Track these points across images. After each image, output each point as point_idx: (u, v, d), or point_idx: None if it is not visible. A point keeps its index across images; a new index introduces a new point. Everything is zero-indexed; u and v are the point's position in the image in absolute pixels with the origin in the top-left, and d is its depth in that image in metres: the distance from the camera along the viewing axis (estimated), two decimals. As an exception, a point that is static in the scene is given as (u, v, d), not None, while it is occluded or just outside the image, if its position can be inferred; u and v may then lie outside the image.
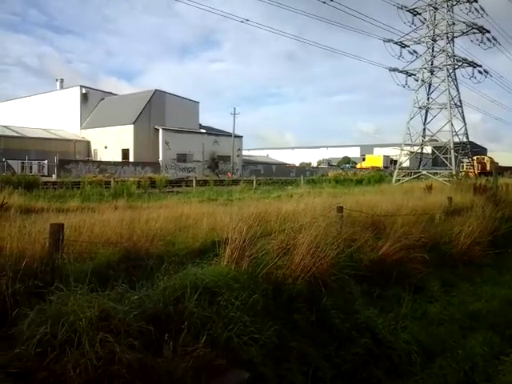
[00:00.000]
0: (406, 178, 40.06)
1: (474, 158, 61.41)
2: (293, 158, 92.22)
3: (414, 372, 4.82)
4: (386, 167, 74.13)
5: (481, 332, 5.93)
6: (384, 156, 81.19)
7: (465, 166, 53.65)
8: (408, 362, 4.88)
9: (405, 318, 5.77)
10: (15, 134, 47.42)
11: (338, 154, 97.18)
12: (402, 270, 6.91)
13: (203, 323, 3.87)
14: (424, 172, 41.33)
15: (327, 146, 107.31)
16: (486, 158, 65.94)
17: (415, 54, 43.03)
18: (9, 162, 38.32)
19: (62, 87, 62.11)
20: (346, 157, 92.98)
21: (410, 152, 44.36)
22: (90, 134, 54.49)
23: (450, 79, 40.94)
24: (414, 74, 43.48)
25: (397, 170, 43.37)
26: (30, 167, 40.24)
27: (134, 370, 3.12)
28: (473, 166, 52.74)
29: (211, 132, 57.95)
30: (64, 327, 3.12)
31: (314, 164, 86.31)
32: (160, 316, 3.80)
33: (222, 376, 3.61)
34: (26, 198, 13.74)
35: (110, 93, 62.07)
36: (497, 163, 59.43)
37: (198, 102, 59.54)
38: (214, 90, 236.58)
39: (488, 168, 58.65)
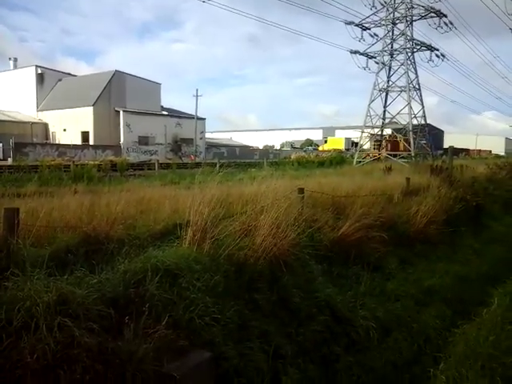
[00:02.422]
0: (367, 160, 40.83)
1: (385, 136, 55.15)
2: (256, 140, 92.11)
3: (372, 347, 5.01)
4: (347, 149, 75.19)
5: (434, 306, 6.21)
6: (346, 138, 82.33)
7: (371, 146, 50.86)
8: (366, 337, 5.07)
9: (363, 295, 5.96)
10: (-34, 116, 45.37)
11: (300, 136, 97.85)
12: (362, 249, 7.10)
13: (165, 305, 3.88)
14: (384, 154, 42.26)
15: (290, 129, 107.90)
16: (398, 135, 55.49)
17: (376, 37, 43.56)
18: (-41, 144, 36.71)
19: (15, 67, 59.52)
20: (309, 139, 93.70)
21: (371, 134, 45.20)
22: (47, 117, 52.68)
23: (408, 62, 41.72)
24: (375, 57, 44.09)
25: (358, 152, 44.14)
26: (-16, 151, 38.67)
27: (93, 354, 3.11)
28: (380, 146, 49.53)
29: (173, 114, 57.06)
30: (20, 313, 3.06)
31: (278, 147, 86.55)
32: (120, 299, 3.79)
33: (184, 356, 3.65)
34: (-22, 182, 13.21)
35: (69, 74, 59.97)
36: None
37: (160, 84, 58.48)
38: (176, 71, 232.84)
39: (402, 148, 52.00)
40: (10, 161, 34.92)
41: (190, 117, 56.18)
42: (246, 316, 4.49)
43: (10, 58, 61.39)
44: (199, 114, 55.65)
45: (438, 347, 4.72)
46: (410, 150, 46.96)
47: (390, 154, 46.97)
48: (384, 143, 49.58)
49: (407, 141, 51.25)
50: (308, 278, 5.60)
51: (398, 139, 53.18)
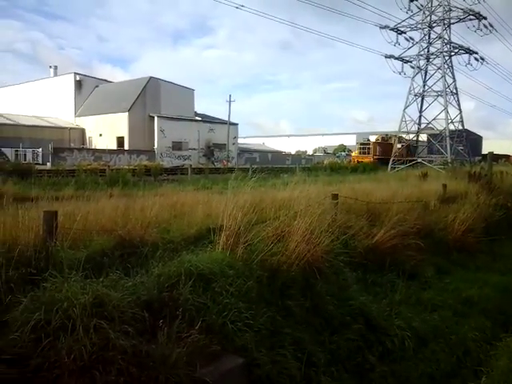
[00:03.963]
0: (402, 166, 40.12)
1: (376, 137, 51.50)
2: (288, 145, 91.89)
3: (407, 357, 4.88)
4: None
5: (473, 318, 5.99)
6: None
7: (356, 151, 48.08)
8: (401, 347, 4.93)
9: (399, 304, 5.82)
10: (9, 122, 46.99)
11: (333, 141, 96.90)
12: (397, 256, 6.95)
13: (198, 310, 3.89)
14: (419, 160, 41.38)
15: (323, 134, 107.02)
16: (392, 137, 50.14)
17: (411, 41, 42.90)
18: (2, 149, 38.02)
19: (55, 74, 61.45)
20: (342, 145, 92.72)
21: (406, 140, 44.37)
22: (84, 122, 54.09)
23: (446, 66, 40.94)
24: (410, 61, 43.44)
25: (392, 158, 43.41)
26: (24, 155, 39.88)
27: (128, 356, 3.13)
28: (368, 149, 46.51)
29: (207, 120, 57.63)
30: (58, 314, 3.12)
31: (310, 152, 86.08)
32: (154, 303, 3.82)
33: (217, 361, 3.64)
34: (20, 186, 13.65)
35: (105, 80, 61.49)
36: (415, 145, 50.81)
37: (193, 90, 59.14)
38: (209, 77, 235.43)
39: (396, 152, 46.67)
40: (48, 165, 35.98)
41: (222, 122, 56.60)
42: (278, 322, 4.45)
43: (50, 66, 63.53)
44: (232, 120, 56.03)
45: (478, 360, 4.56)
46: (406, 155, 44.61)
47: (382, 158, 44.70)
48: (372, 147, 47.02)
49: (401, 143, 47.12)
50: (342, 285, 5.51)
51: (392, 141, 49.42)
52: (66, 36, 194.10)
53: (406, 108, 42.46)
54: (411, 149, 47.87)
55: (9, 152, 38.53)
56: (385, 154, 46.81)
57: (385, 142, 50.59)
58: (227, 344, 3.83)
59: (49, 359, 2.93)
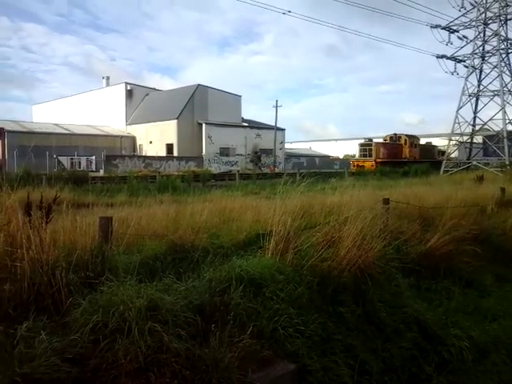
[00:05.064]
0: (455, 169, 38.71)
1: (384, 137, 44.70)
2: (336, 150, 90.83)
3: (466, 368, 4.67)
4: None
5: (538, 328, 5.67)
6: (431, 147, 78.62)
7: (357, 152, 42.35)
8: (459, 358, 4.74)
9: (455, 312, 5.61)
10: (65, 132, 49.21)
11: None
12: (452, 263, 6.71)
13: (249, 315, 3.90)
14: (474, 162, 39.74)
15: (371, 138, 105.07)
16: (403, 137, 45.09)
17: (465, 40, 41.35)
18: (59, 158, 39.85)
19: (108, 84, 63.90)
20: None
21: (459, 142, 42.72)
22: (135, 130, 55.82)
23: (503, 64, 39.12)
24: (464, 61, 41.85)
25: (445, 161, 41.94)
26: (79, 163, 41.65)
27: (181, 359, 3.18)
28: (369, 151, 40.81)
29: (253, 125, 58.02)
30: (114, 316, 3.22)
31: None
32: (206, 307, 3.86)
33: (268, 367, 3.62)
34: (75, 192, 14.22)
35: (154, 89, 63.23)
36: (433, 145, 46.69)
37: (240, 96, 59.77)
38: (256, 83, 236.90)
39: (407, 154, 42.72)
40: (101, 172, 37.41)
41: (269, 127, 56.78)
42: (329, 329, 4.38)
43: (103, 77, 66.20)
44: (279, 125, 56.11)
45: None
46: (419, 157, 40.87)
47: (387, 162, 39.90)
48: (374, 149, 41.54)
49: (414, 144, 42.70)
50: (394, 292, 5.37)
51: (403, 142, 44.53)
52: (117, 48, 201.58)
53: (459, 109, 40.82)
54: (424, 150, 44.52)
55: (65, 160, 40.37)
56: (392, 156, 41.70)
57: (392, 143, 44.73)
58: (278, 350, 3.82)
59: (107, 360, 3.02)
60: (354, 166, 41.89)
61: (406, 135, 44.05)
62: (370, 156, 40.68)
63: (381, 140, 46.59)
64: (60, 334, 3.18)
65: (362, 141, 44.62)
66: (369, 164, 39.67)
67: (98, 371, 2.98)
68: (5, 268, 3.73)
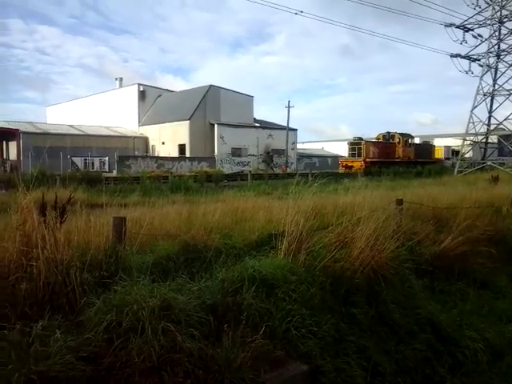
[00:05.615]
0: (469, 169, 38.23)
1: (377, 136, 41.78)
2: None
3: (481, 370, 4.63)
4: (447, 158, 70.95)
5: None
6: (445, 147, 77.89)
7: (346, 151, 39.63)
8: (474, 360, 4.69)
9: (469, 314, 5.55)
10: (78, 133, 49.67)
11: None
12: (466, 264, 6.64)
13: (261, 315, 3.91)
14: (489, 162, 39.14)
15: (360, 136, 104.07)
16: (396, 135, 42.15)
17: (480, 38, 40.79)
18: (73, 159, 40.23)
19: (121, 86, 64.33)
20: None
21: (474, 142, 42.16)
22: (148, 131, 56.11)
23: (519, 63, 38.52)
24: (479, 60, 41.26)
25: (459, 161, 41.45)
26: (92, 163, 41.96)
27: (194, 359, 3.20)
28: (358, 151, 38.02)
29: (265, 126, 57.97)
30: (128, 316, 3.24)
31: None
32: (219, 307, 3.88)
33: (281, 367, 3.62)
34: (89, 193, 14.34)
35: (167, 89, 63.48)
36: (430, 144, 44.13)
37: (252, 97, 59.74)
38: (268, 83, 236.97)
39: (401, 154, 40.17)
40: (114, 173, 37.68)
41: (281, 128, 56.69)
42: (342, 330, 4.37)
43: (116, 78, 66.65)
44: (291, 125, 55.99)
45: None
46: (408, 156, 38.69)
47: (378, 162, 37.39)
48: (364, 148, 38.58)
49: (409, 143, 40.23)
50: (408, 293, 5.33)
51: (396, 141, 41.79)
52: (130, 49, 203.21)
53: (473, 109, 40.22)
54: (420, 149, 42.33)
55: (78, 161, 40.74)
56: (384, 156, 39.24)
57: (384, 142, 42.00)
58: (291, 350, 3.82)
59: (120, 359, 3.05)
60: (342, 166, 39.67)
61: (399, 133, 41.61)
62: (360, 156, 38.31)
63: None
64: (74, 332, 3.22)
65: (352, 139, 42.32)
66: (358, 164, 37.43)
67: (112, 370, 3.01)
68: (21, 267, 3.79)
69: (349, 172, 34.90)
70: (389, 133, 41.62)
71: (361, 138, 41.28)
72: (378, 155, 38.35)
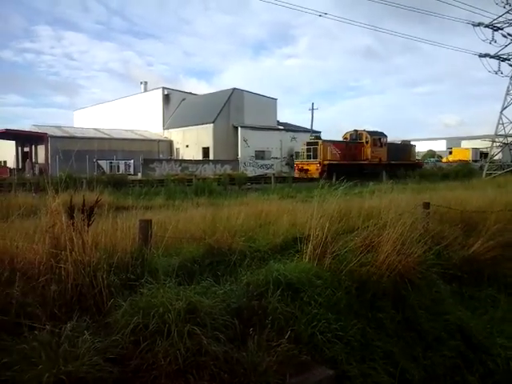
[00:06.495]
0: (499, 172, 37.27)
1: (344, 135, 36.09)
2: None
3: (513, 380, 4.50)
4: (475, 161, 69.44)
5: None
6: (473, 149, 76.38)
7: (301, 153, 33.74)
8: (506, 368, 4.57)
9: (501, 321, 5.41)
10: (104, 136, 50.51)
11: (422, 147, 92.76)
12: (497, 269, 6.48)
13: (286, 319, 3.89)
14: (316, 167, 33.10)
15: (410, 140, 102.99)
16: (364, 134, 35.81)
17: (510, 37, 39.79)
18: (99, 162, 40.91)
19: (145, 90, 65.18)
20: (431, 150, 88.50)
21: (504, 143, 41.15)
22: (172, 134, 56.68)
23: (549, 63, 37.44)
24: (509, 59, 40.22)
25: (488, 164, 40.49)
26: (118, 167, 42.58)
27: (219, 362, 3.20)
28: (314, 152, 32.26)
29: (289, 128, 57.86)
30: (154, 318, 3.26)
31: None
32: (244, 311, 3.87)
33: (307, 372, 3.59)
34: (115, 195, 14.54)
35: (191, 93, 64.05)
36: (409, 145, 40.32)
37: (276, 99, 59.68)
38: (291, 86, 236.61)
39: (369, 155, 34.49)
40: (139, 176, 38.14)
41: (305, 130, 56.48)
42: (369, 335, 4.31)
43: (141, 82, 67.59)
44: (314, 127, 55.75)
45: None
46: (379, 158, 34.61)
47: (340, 164, 31.81)
48: (321, 148, 32.79)
49: (380, 143, 35.56)
50: (435, 298, 5.23)
51: (364, 141, 35.69)
52: (154, 53, 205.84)
53: (503, 109, 39.20)
54: (394, 150, 37.12)
55: (104, 164, 41.42)
56: (348, 157, 33.76)
57: (348, 142, 35.77)
58: (316, 355, 3.78)
59: (147, 361, 3.07)
60: (297, 169, 33.89)
61: (367, 132, 35.94)
62: (316, 157, 32.70)
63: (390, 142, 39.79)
64: (102, 334, 3.26)
65: (309, 139, 36.64)
66: (313, 168, 32.19)
67: (139, 372, 3.03)
68: (50, 269, 3.85)
69: (302, 176, 31.27)
70: (356, 131, 36.49)
71: (318, 137, 37.12)
72: (339, 157, 33.09)
